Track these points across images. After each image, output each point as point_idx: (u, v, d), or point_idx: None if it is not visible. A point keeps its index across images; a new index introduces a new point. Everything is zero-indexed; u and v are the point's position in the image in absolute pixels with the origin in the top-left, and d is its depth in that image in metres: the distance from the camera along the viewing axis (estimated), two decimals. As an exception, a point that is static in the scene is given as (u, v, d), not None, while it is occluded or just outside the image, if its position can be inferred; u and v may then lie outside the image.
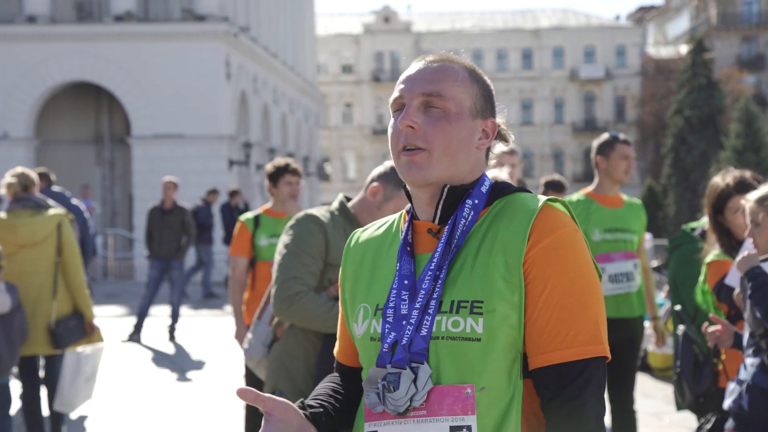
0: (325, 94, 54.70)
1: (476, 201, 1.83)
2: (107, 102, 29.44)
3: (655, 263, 22.30)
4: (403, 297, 1.80)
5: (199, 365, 10.53)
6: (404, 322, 1.77)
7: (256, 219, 6.15)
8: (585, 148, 60.32)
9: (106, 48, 27.77)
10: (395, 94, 1.88)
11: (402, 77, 1.90)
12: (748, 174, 4.26)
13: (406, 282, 1.81)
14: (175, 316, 12.35)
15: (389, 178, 3.61)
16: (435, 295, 1.76)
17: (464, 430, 1.70)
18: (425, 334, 1.74)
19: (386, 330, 1.80)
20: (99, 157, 29.81)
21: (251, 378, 5.98)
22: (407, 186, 1.89)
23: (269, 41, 35.82)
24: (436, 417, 1.72)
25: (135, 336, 12.16)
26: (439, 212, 1.84)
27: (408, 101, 1.84)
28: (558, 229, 1.75)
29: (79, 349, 5.95)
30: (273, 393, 3.61)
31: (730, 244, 4.18)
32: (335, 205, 3.71)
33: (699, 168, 44.68)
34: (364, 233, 2.00)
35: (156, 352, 11.41)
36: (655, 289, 7.12)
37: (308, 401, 1.87)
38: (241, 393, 1.73)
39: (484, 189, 1.86)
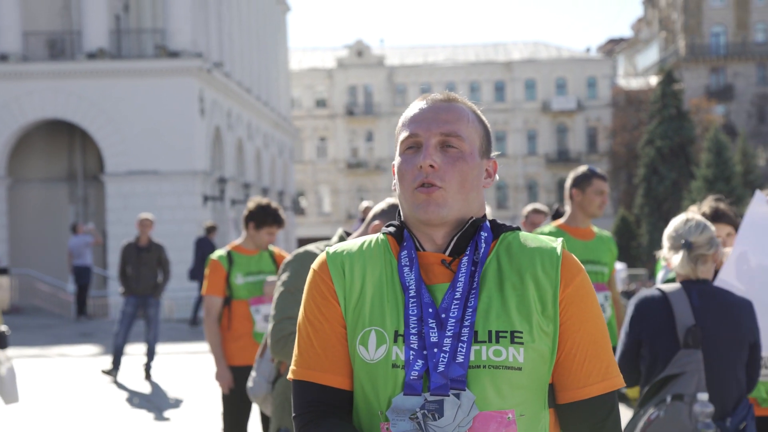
0: (300, 128, 54.79)
1: (486, 234, 1.90)
2: (80, 139, 29.35)
3: (633, 285, 22.48)
4: (431, 325, 1.81)
5: (176, 404, 10.44)
6: (435, 350, 1.79)
7: (229, 257, 6.05)
8: (558, 179, 60.69)
9: (78, 85, 27.73)
10: (407, 132, 1.90)
11: (412, 115, 1.92)
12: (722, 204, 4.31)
13: (430, 310, 1.82)
14: (151, 354, 12.24)
15: (392, 216, 3.63)
16: (467, 323, 1.80)
17: None
18: (462, 361, 1.77)
19: (411, 357, 1.80)
20: (72, 194, 29.64)
21: (230, 417, 5.94)
22: (410, 220, 1.90)
23: (243, 76, 35.90)
24: None
25: (114, 371, 12.04)
26: (452, 245, 1.87)
27: (425, 140, 1.87)
28: (581, 270, 1.89)
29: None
30: (278, 431, 3.64)
31: None
32: (335, 240, 3.70)
33: (671, 197, 45.07)
34: (349, 252, 1.91)
35: (131, 392, 11.30)
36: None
37: None
38: None
39: (487, 223, 1.93)
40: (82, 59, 28.04)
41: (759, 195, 4.17)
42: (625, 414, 9.64)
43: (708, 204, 4.27)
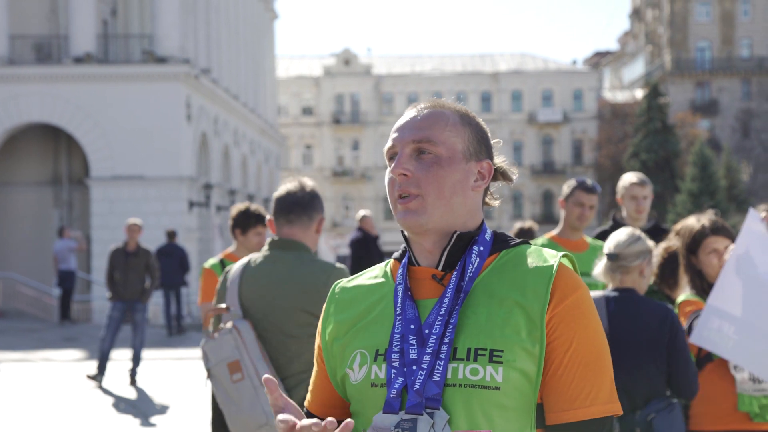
0: (286, 135, 54.76)
1: (482, 248, 1.85)
2: (66, 143, 29.21)
3: None
4: (410, 342, 1.78)
5: (162, 410, 10.39)
6: (414, 367, 1.75)
7: (222, 265, 6.02)
8: (543, 190, 60.89)
9: (65, 90, 27.61)
10: (388, 144, 1.89)
11: (394, 126, 1.91)
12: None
13: (412, 327, 1.79)
14: (136, 359, 12.19)
15: (279, 210, 3.89)
16: (446, 340, 1.75)
17: None
18: (438, 379, 1.73)
19: (392, 375, 1.77)
20: (57, 198, 29.50)
21: (218, 423, 5.92)
22: (405, 233, 1.89)
23: (230, 83, 35.87)
24: None
25: (99, 377, 11.97)
26: (444, 258, 1.84)
27: (400, 149, 1.86)
28: (578, 288, 1.79)
29: None
30: None
31: (701, 286, 4.26)
32: (264, 247, 3.86)
33: (655, 211, 45.21)
34: (350, 282, 1.97)
35: (117, 397, 11.24)
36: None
37: None
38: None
39: (487, 237, 1.88)
40: (69, 63, 27.93)
41: (753, 213, 4.20)
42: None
43: (707, 217, 4.33)
